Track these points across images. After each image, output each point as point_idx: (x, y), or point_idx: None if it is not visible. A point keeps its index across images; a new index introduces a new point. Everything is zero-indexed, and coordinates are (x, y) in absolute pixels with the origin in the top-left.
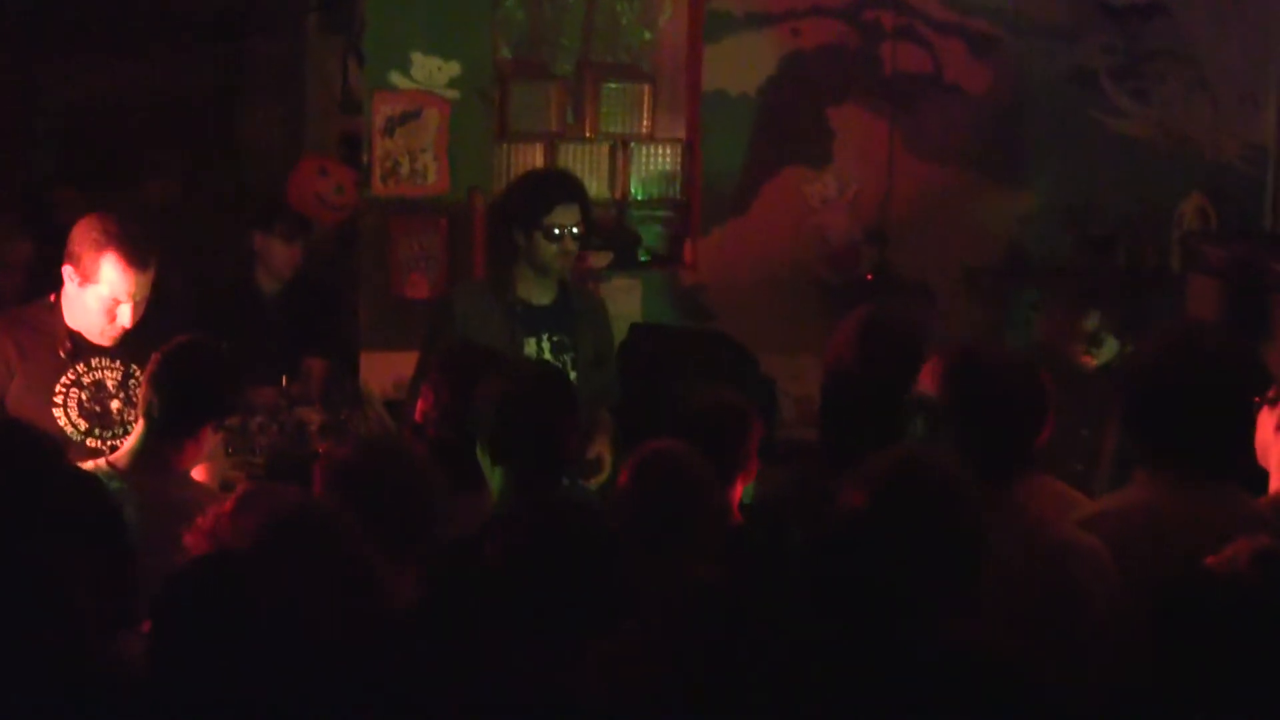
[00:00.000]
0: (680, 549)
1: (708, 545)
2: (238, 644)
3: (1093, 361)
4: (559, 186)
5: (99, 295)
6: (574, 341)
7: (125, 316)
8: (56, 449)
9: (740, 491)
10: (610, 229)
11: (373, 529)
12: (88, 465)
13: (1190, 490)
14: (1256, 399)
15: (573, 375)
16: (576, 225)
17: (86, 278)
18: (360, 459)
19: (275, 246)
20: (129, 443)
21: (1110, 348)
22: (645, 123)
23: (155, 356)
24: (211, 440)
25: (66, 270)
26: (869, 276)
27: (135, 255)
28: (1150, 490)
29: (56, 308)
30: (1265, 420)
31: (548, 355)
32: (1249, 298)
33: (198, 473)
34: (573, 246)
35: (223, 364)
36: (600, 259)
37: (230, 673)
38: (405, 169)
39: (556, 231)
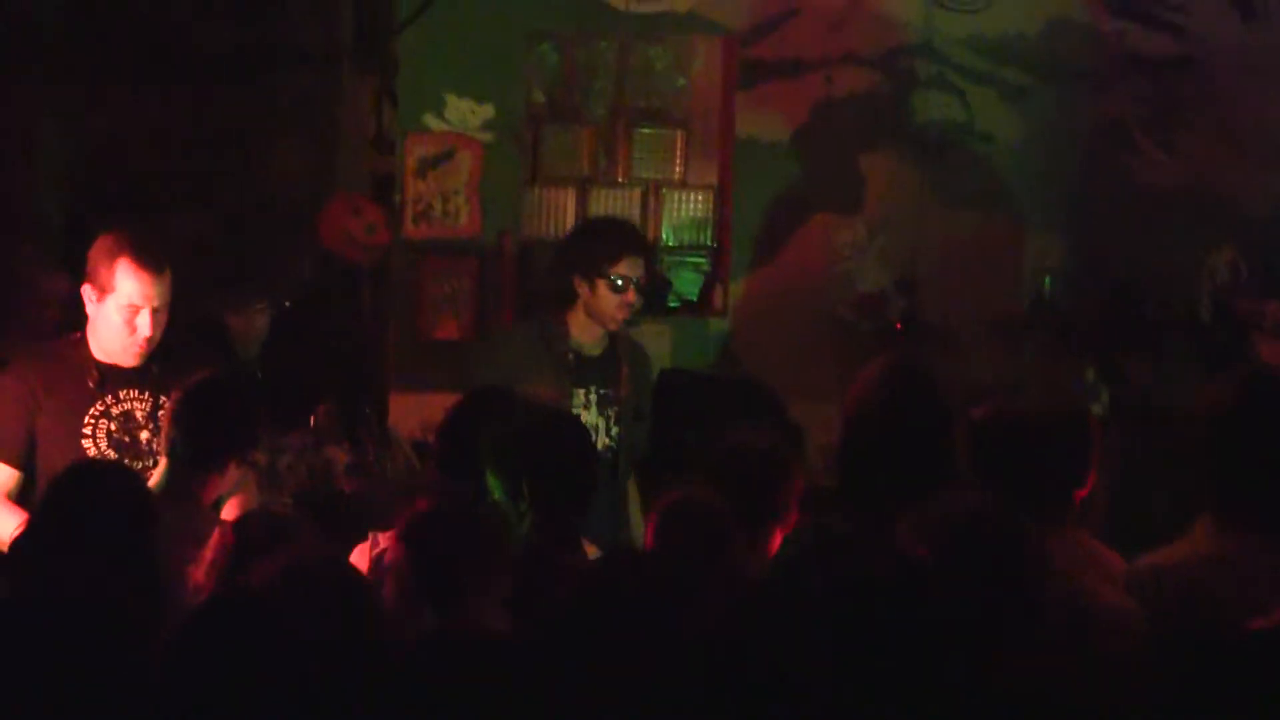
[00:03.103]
0: (700, 597)
1: (723, 595)
2: (239, 689)
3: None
4: (628, 237)
5: (117, 305)
6: (618, 395)
7: (146, 324)
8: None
9: (779, 541)
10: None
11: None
12: None
13: (1255, 543)
14: None
15: (615, 430)
16: (640, 278)
17: (104, 290)
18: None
19: (232, 322)
20: (153, 479)
21: (1105, 401)
22: (677, 168)
23: (176, 394)
24: (235, 474)
25: (86, 291)
26: (898, 325)
27: (149, 259)
28: (1215, 543)
29: (83, 341)
30: None
31: (593, 408)
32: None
33: (228, 510)
34: (635, 299)
35: (245, 399)
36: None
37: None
38: (437, 210)
39: (620, 283)
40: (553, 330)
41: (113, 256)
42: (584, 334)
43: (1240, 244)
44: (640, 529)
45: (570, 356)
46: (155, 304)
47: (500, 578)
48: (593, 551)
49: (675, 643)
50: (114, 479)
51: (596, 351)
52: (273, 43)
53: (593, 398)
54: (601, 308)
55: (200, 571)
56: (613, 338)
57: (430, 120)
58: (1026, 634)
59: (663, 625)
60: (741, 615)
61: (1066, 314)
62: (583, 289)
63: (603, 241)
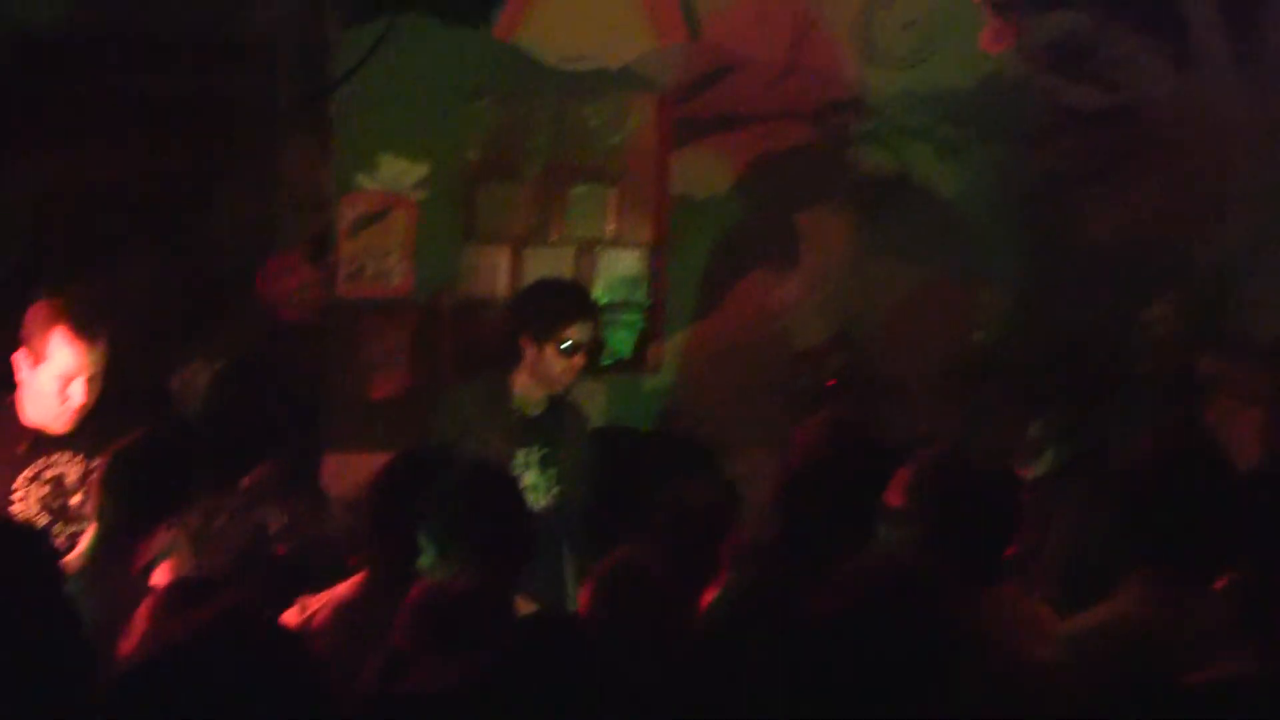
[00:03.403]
0: (647, 658)
1: (672, 653)
2: None
3: (1030, 472)
4: (580, 302)
5: (51, 374)
6: (557, 456)
7: (78, 393)
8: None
9: (709, 598)
10: None
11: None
12: None
13: (1183, 603)
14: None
15: (556, 490)
16: (588, 343)
17: (39, 357)
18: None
19: (172, 382)
20: (81, 544)
21: (1049, 458)
22: (612, 226)
23: (104, 459)
24: (166, 537)
25: (19, 357)
26: (837, 380)
27: (84, 328)
28: (1143, 602)
29: (12, 406)
30: None
31: (535, 468)
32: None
33: (160, 574)
34: (582, 363)
35: (174, 461)
36: None
37: None
38: (371, 270)
39: (569, 346)
40: (497, 389)
41: (48, 324)
42: (528, 394)
43: (1180, 296)
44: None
45: (513, 417)
46: (90, 373)
47: None
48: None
49: (613, 703)
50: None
51: (538, 411)
52: (211, 100)
53: (534, 457)
54: (548, 370)
55: (130, 642)
56: (554, 398)
57: (364, 180)
58: (943, 690)
59: (590, 688)
60: (680, 670)
61: (1008, 368)
62: (530, 350)
63: (555, 305)
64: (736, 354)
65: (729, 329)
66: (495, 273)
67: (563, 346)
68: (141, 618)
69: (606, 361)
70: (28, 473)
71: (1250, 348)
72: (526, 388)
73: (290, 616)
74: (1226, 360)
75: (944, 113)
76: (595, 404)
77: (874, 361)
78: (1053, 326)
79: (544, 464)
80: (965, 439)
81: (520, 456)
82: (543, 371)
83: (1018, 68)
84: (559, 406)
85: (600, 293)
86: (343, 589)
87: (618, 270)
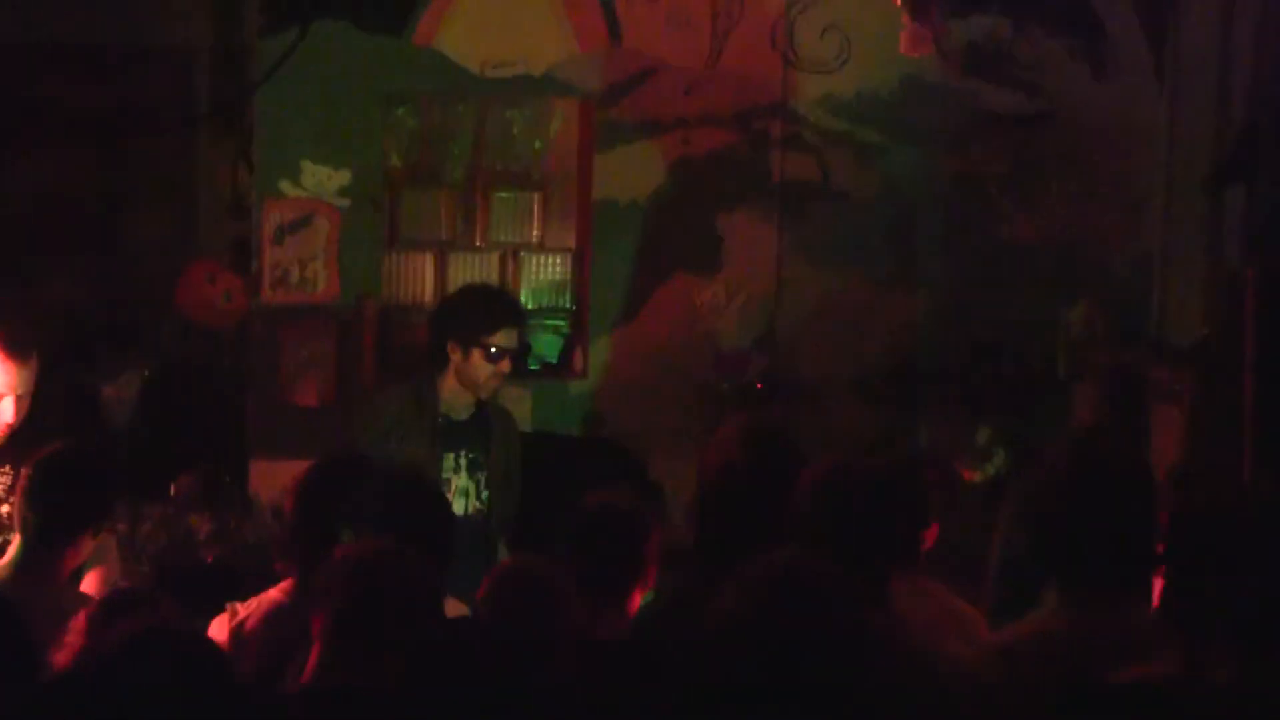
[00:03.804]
0: (533, 668)
1: (561, 663)
2: None
3: (977, 476)
4: (506, 308)
5: None
6: (487, 460)
7: (7, 411)
8: None
9: (639, 600)
10: None
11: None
12: None
13: (1101, 614)
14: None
15: (485, 494)
16: (514, 348)
17: None
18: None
19: (106, 391)
20: (7, 554)
21: (997, 461)
22: (535, 231)
23: (24, 470)
24: (92, 545)
25: None
26: (759, 384)
27: (13, 347)
28: (1061, 618)
29: None
30: None
31: (463, 472)
32: (1128, 404)
33: (89, 581)
34: (507, 369)
35: (96, 470)
36: None
37: None
38: (295, 276)
39: (495, 352)
40: (424, 394)
41: None
42: (454, 399)
43: (1097, 298)
44: None
45: (440, 421)
46: (19, 391)
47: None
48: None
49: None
50: None
51: (465, 416)
52: (131, 104)
53: (463, 462)
54: (474, 375)
55: (63, 655)
56: (481, 403)
57: (287, 186)
58: (865, 686)
59: (495, 693)
60: (593, 677)
61: (926, 372)
62: (456, 355)
63: (480, 311)
64: (660, 357)
65: (653, 333)
66: (419, 278)
67: (489, 353)
68: (76, 629)
69: (533, 366)
70: None
71: (1168, 349)
72: (453, 393)
73: (219, 623)
74: (1148, 361)
75: (864, 116)
76: (522, 408)
77: (796, 365)
78: (971, 329)
79: (472, 468)
80: (882, 440)
81: (449, 460)
82: (469, 377)
83: (935, 72)
84: (486, 411)
85: (525, 297)
86: (272, 594)
87: (542, 276)
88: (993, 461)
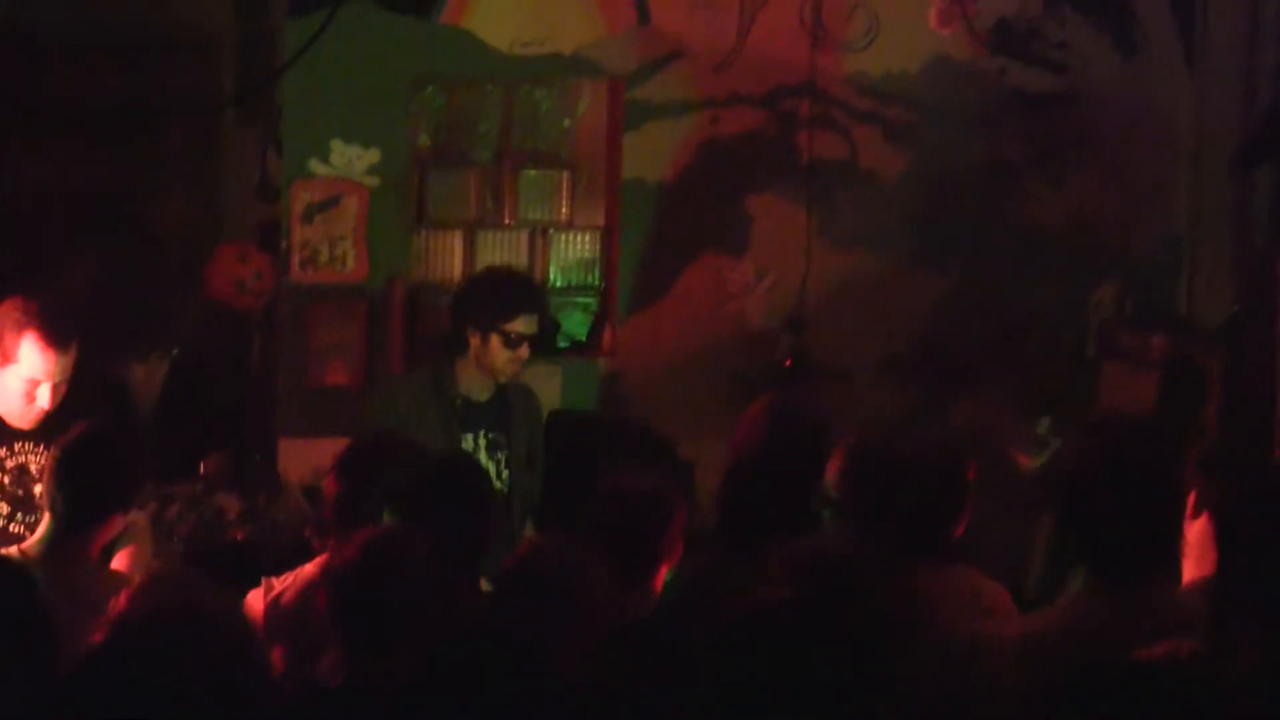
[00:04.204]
0: (554, 647)
1: (584, 643)
2: None
3: (1031, 463)
4: (525, 294)
5: (19, 376)
6: (508, 440)
7: (45, 398)
8: None
9: (662, 577)
10: None
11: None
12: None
13: (1128, 597)
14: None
15: (505, 474)
16: (534, 334)
17: (6, 358)
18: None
19: (135, 373)
20: (38, 532)
21: (1051, 450)
22: (564, 210)
23: (53, 451)
24: (121, 524)
25: None
26: (787, 363)
27: (55, 336)
28: (1088, 602)
29: None
30: None
31: (483, 453)
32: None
33: (120, 559)
34: (527, 354)
35: (123, 450)
36: None
37: None
38: (324, 256)
39: (514, 338)
40: (442, 377)
41: (19, 328)
42: (473, 382)
43: (1124, 280)
44: None
45: (458, 402)
46: (57, 379)
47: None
48: None
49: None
50: None
51: (484, 397)
52: (155, 93)
53: (481, 443)
54: (493, 361)
55: (99, 634)
56: (500, 383)
57: (315, 166)
58: (892, 670)
59: (519, 671)
60: (616, 658)
61: (953, 352)
62: (475, 340)
63: (499, 297)
64: (688, 337)
65: (681, 312)
66: (448, 257)
67: (508, 339)
68: (116, 608)
69: (562, 344)
70: None
71: (1195, 330)
72: (472, 376)
73: (255, 596)
74: (1174, 340)
75: (893, 95)
76: (551, 386)
77: (824, 345)
78: (1001, 309)
79: (492, 448)
80: (913, 422)
81: (467, 441)
82: (488, 362)
83: (962, 50)
84: (507, 391)
85: (554, 275)
86: (308, 569)
87: (571, 254)
88: (1050, 449)
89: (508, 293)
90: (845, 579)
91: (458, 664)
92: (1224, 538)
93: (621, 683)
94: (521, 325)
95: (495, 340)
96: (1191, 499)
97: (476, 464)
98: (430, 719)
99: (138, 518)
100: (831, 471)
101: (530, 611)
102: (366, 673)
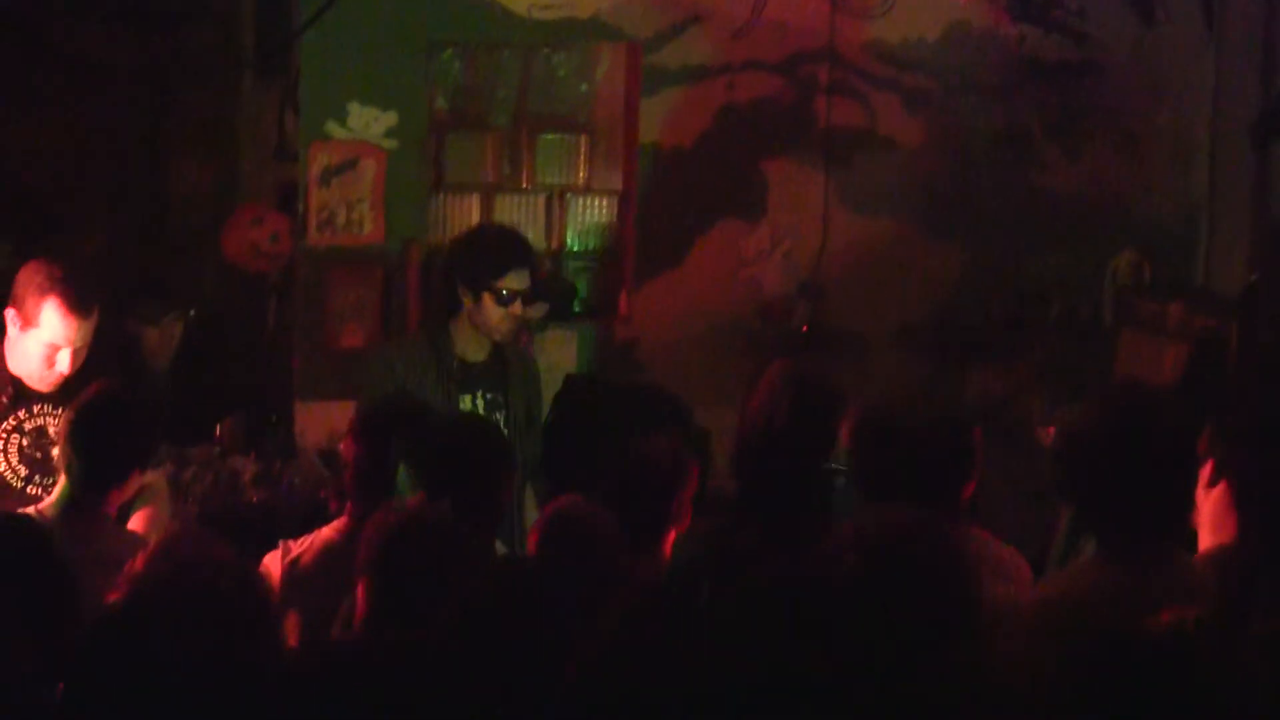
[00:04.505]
0: (583, 610)
1: (613, 605)
2: (138, 697)
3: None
4: (513, 250)
5: (39, 340)
6: (506, 400)
7: (64, 363)
8: None
9: (671, 542)
10: (546, 280)
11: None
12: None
13: (1139, 564)
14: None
15: (505, 434)
16: (526, 290)
17: (28, 322)
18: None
19: (147, 335)
20: (54, 493)
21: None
22: (581, 174)
23: (67, 414)
24: (138, 483)
25: (9, 314)
26: (803, 330)
27: (77, 302)
28: (1099, 569)
29: None
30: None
31: (481, 413)
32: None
33: (137, 520)
34: (519, 311)
35: (137, 412)
36: (535, 310)
37: None
38: (341, 219)
39: (506, 294)
40: (437, 340)
41: (42, 293)
42: (469, 343)
43: (1142, 249)
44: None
45: (454, 363)
46: (77, 345)
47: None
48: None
49: (567, 648)
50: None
51: (481, 357)
52: (173, 54)
53: (479, 403)
54: (486, 320)
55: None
56: (497, 344)
57: (333, 128)
58: (958, 641)
59: (552, 632)
60: (634, 621)
61: (970, 320)
62: (467, 300)
63: (487, 255)
64: (705, 302)
65: (698, 278)
66: (466, 221)
67: (500, 295)
68: (133, 569)
69: (578, 309)
70: (9, 423)
71: (1212, 299)
72: (468, 337)
73: (273, 558)
74: (1191, 309)
75: (909, 63)
76: (567, 351)
77: (840, 312)
78: (1018, 277)
79: (489, 409)
80: (924, 390)
81: (465, 402)
82: (480, 321)
83: (982, 17)
84: (504, 351)
85: (570, 240)
86: (325, 532)
87: (588, 218)
88: None
89: (496, 250)
90: (916, 551)
91: (493, 624)
92: (1244, 506)
93: (645, 647)
94: (513, 281)
95: (487, 299)
96: (1209, 468)
97: (494, 427)
98: (465, 681)
99: (155, 479)
100: (844, 439)
101: (565, 574)
102: (393, 633)
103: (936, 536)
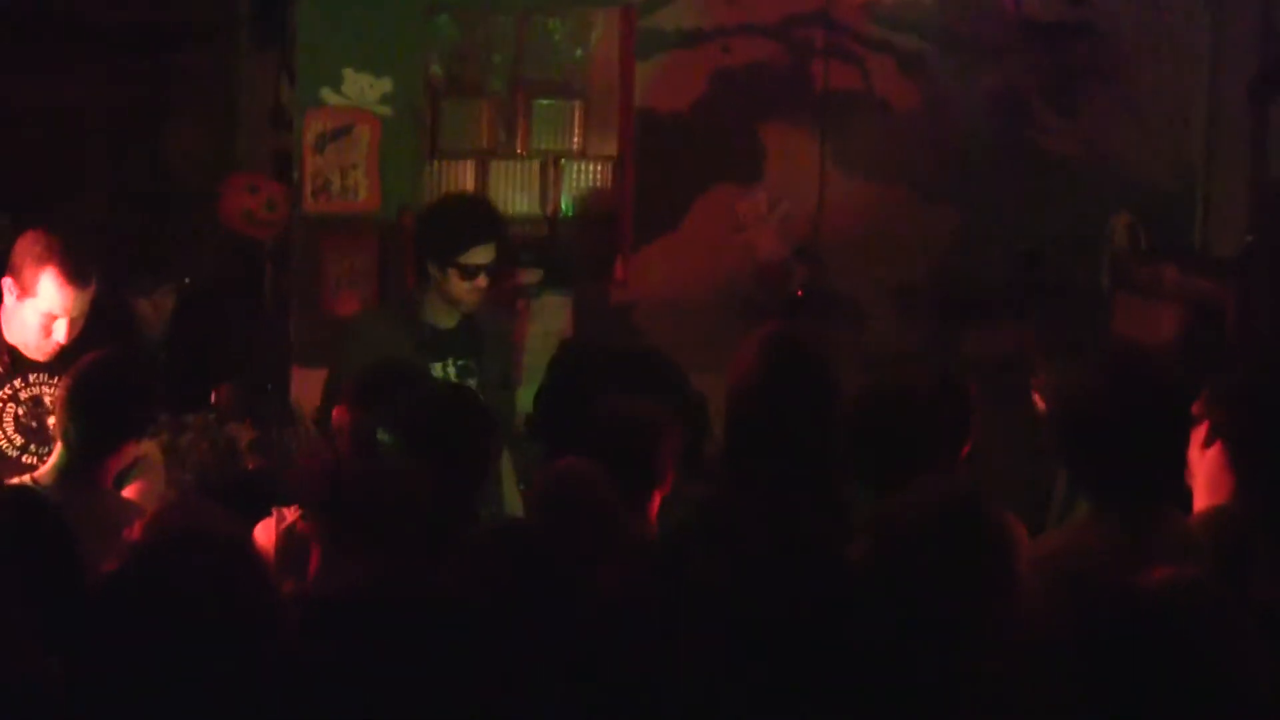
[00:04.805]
0: (585, 569)
1: (613, 564)
2: (137, 666)
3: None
4: (476, 226)
5: (37, 310)
6: (479, 365)
7: (61, 332)
8: None
9: (657, 504)
10: (541, 246)
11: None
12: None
13: (1130, 525)
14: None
15: None
16: (491, 263)
17: (25, 291)
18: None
19: (140, 305)
20: (50, 461)
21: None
22: (576, 140)
23: (64, 381)
24: (135, 451)
25: (6, 283)
26: (800, 294)
27: (75, 272)
28: (1092, 530)
29: None
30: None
31: (453, 379)
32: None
33: (133, 488)
34: (485, 284)
35: (134, 380)
36: (531, 276)
37: (132, 691)
38: (336, 186)
39: (470, 269)
40: (407, 310)
41: (40, 262)
42: (438, 311)
43: (1138, 211)
44: (515, 499)
45: (426, 332)
46: (74, 315)
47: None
48: None
49: (572, 611)
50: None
51: (450, 324)
52: (168, 19)
53: (451, 370)
54: (453, 292)
55: (112, 562)
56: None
57: (328, 95)
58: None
59: (556, 594)
60: (631, 586)
61: (967, 283)
62: (434, 273)
63: (451, 230)
64: (701, 267)
65: (694, 242)
66: (461, 187)
67: (464, 270)
68: (130, 536)
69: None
70: (5, 392)
71: (1208, 261)
72: (437, 306)
73: (265, 526)
74: (1188, 272)
75: (905, 24)
76: (561, 317)
77: (837, 275)
78: (1015, 239)
79: (462, 375)
80: (922, 353)
81: (437, 369)
82: (447, 293)
83: None
84: (474, 316)
85: (566, 206)
86: None
87: (583, 184)
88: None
89: (461, 225)
90: (960, 525)
91: (502, 585)
92: (1239, 466)
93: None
94: (477, 256)
95: (453, 273)
96: (1204, 429)
97: (475, 396)
98: (473, 640)
99: (150, 448)
100: (845, 405)
101: (570, 533)
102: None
103: (982, 509)
